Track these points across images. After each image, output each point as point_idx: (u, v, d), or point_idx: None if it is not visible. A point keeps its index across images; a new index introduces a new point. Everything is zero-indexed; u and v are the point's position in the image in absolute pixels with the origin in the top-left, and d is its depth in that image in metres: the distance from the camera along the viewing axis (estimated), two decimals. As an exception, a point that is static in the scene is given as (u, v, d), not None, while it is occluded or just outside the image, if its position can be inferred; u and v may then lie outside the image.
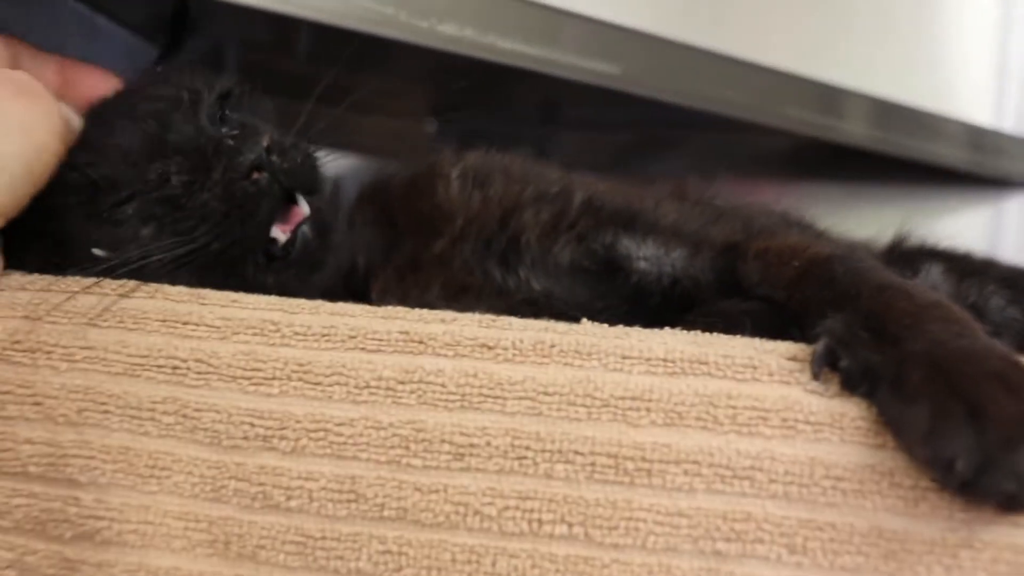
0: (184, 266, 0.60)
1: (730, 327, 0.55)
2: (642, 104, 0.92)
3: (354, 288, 0.70)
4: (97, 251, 0.61)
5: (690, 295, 0.66)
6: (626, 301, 0.66)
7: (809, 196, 1.32)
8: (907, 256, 0.80)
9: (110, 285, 0.57)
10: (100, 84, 0.68)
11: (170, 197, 0.61)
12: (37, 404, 0.52)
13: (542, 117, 1.13)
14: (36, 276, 0.58)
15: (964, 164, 1.14)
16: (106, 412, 0.52)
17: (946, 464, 0.45)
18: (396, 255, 0.70)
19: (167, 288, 0.56)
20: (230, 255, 0.61)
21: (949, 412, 0.45)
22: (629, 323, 0.55)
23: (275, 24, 0.76)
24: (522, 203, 0.69)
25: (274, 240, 0.62)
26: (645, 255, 0.67)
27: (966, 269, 0.75)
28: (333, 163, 0.70)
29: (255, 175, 0.60)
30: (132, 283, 0.56)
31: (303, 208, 0.63)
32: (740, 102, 0.93)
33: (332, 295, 0.60)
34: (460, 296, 0.67)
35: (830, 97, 1.00)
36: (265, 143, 0.61)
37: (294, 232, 0.62)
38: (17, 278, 0.58)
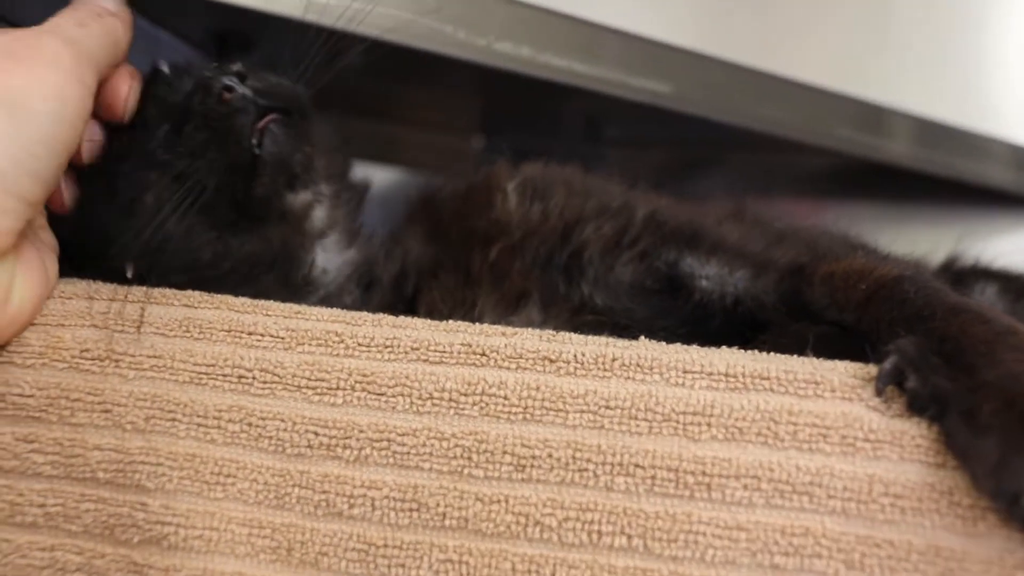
0: (193, 214, 0.61)
1: (799, 350, 0.55)
2: (683, 121, 0.93)
3: (404, 301, 0.71)
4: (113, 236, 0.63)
5: (752, 316, 0.66)
6: (686, 322, 0.66)
7: (853, 216, 1.32)
8: (960, 275, 0.80)
9: (175, 296, 0.58)
10: None
11: (162, 155, 0.63)
12: (106, 411, 0.53)
13: (586, 134, 1.14)
14: (102, 284, 0.59)
15: (1010, 185, 1.14)
16: (173, 420, 0.53)
17: (1012, 498, 0.45)
18: (446, 268, 0.71)
19: (231, 299, 0.57)
20: (228, 190, 0.62)
21: (1019, 447, 0.45)
22: (689, 343, 0.55)
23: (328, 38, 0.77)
24: (584, 217, 0.69)
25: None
26: (708, 274, 0.67)
27: (1022, 289, 0.75)
28: (381, 177, 0.71)
29: (226, 95, 0.62)
30: (198, 294, 0.58)
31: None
32: (787, 121, 0.93)
33: (385, 309, 0.61)
34: (515, 310, 0.67)
35: (875, 116, 1.01)
36: (235, 68, 0.63)
37: (261, 132, 0.63)
38: (84, 286, 0.59)
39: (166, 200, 0.61)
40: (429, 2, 0.74)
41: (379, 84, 0.93)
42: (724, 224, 0.72)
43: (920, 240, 1.13)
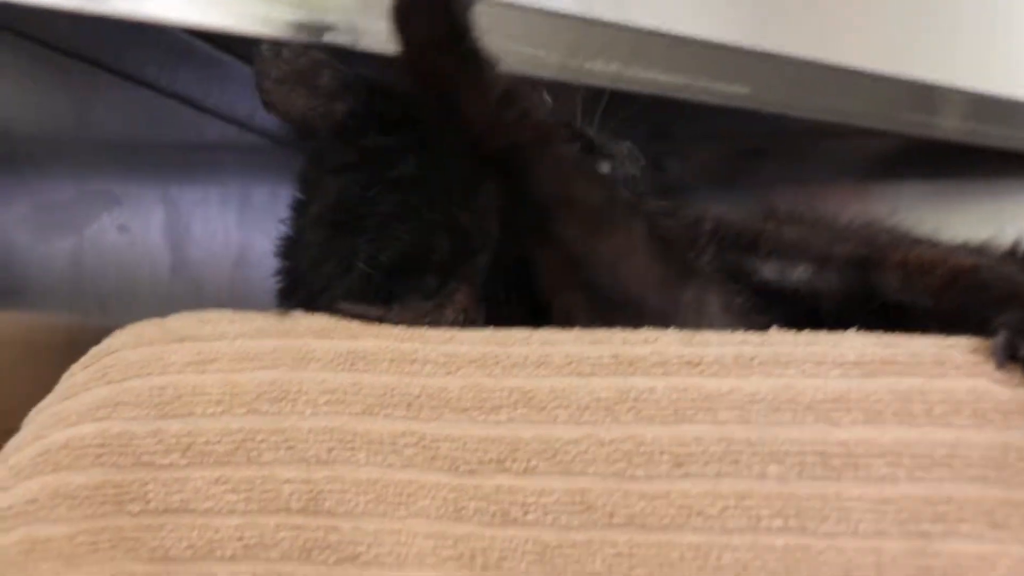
0: None
1: None
2: (736, 115, 0.98)
3: None
4: None
5: (810, 308, 0.71)
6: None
7: (907, 196, 1.36)
8: None
9: (335, 328, 0.63)
10: None
11: None
12: (290, 448, 0.58)
13: (652, 134, 1.19)
14: (264, 320, 0.64)
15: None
16: (352, 449, 0.58)
17: None
18: None
19: (388, 329, 0.62)
20: None
21: None
22: None
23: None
24: None
25: None
26: (768, 272, 0.72)
27: None
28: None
29: None
30: (357, 325, 0.63)
31: None
32: (850, 109, 0.98)
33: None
34: None
35: (930, 95, 1.05)
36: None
37: None
38: (248, 324, 0.64)
39: None
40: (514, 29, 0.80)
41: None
42: (783, 227, 0.77)
43: (978, 218, 1.17)
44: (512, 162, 0.65)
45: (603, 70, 0.82)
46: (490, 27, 0.79)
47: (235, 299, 1.00)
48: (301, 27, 0.76)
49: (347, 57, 0.75)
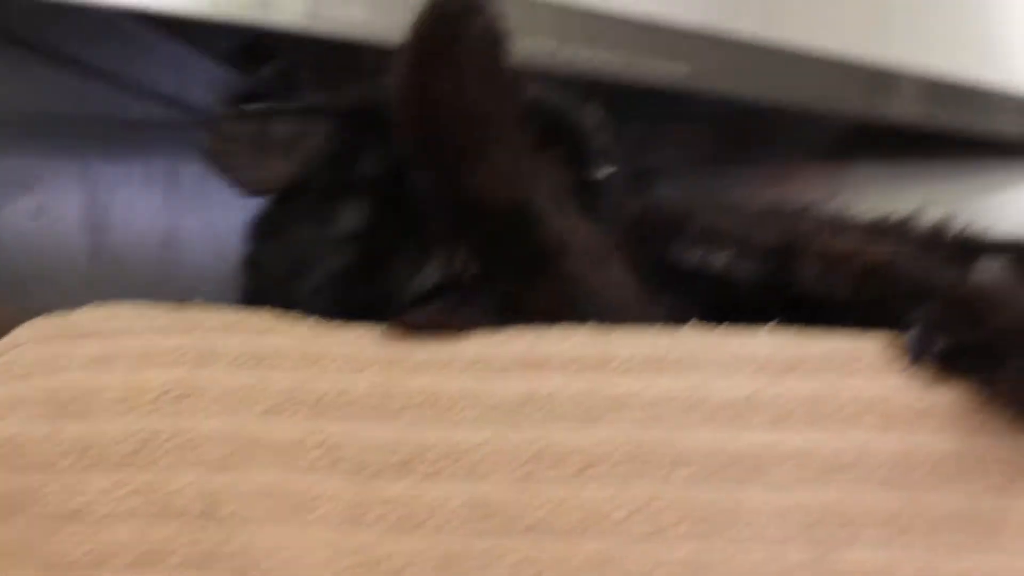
0: None
1: None
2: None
3: None
4: None
5: (731, 295, 0.71)
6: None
7: (861, 178, 1.35)
8: (960, 245, 0.85)
9: (243, 323, 0.61)
10: None
11: None
12: (190, 451, 0.57)
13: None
14: (174, 315, 0.63)
15: (1020, 138, 1.17)
16: (253, 452, 0.56)
17: None
18: None
19: (298, 326, 0.61)
20: None
21: None
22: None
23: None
24: None
25: None
26: (692, 258, 0.72)
27: None
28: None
29: None
30: (267, 321, 0.61)
31: None
32: (800, 92, 0.96)
33: None
34: None
35: (885, 79, 1.04)
36: None
37: None
38: (156, 320, 0.62)
39: None
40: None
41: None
42: (710, 213, 0.76)
43: (931, 196, 1.16)
44: (514, 215, 0.62)
45: (539, 48, 0.81)
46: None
47: (160, 285, 0.99)
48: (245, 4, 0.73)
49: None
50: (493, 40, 0.60)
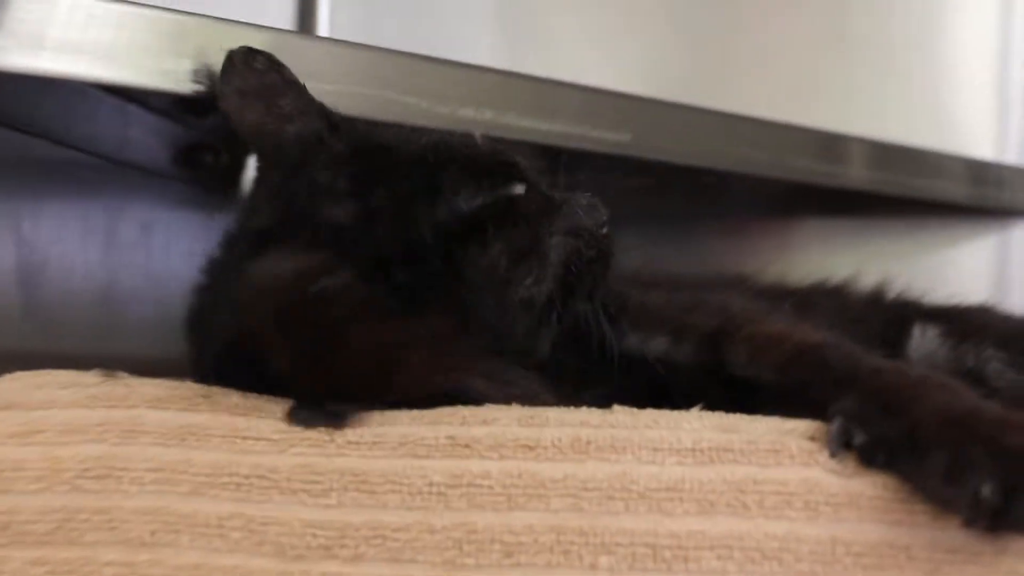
0: None
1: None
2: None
3: None
4: None
5: (669, 377, 0.71)
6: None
7: (809, 233, 1.36)
8: (897, 311, 0.86)
9: (172, 399, 0.61)
10: None
11: None
12: (113, 529, 0.56)
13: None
14: (101, 386, 0.62)
15: (967, 199, 1.18)
16: (177, 532, 0.56)
17: (972, 497, 0.48)
18: None
19: (225, 400, 0.60)
20: None
21: (967, 450, 0.50)
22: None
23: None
24: None
25: None
26: (630, 342, 0.72)
27: (963, 331, 0.80)
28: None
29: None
30: (194, 395, 0.60)
31: None
32: (745, 158, 0.97)
33: None
34: None
35: (831, 144, 1.05)
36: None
37: None
38: (78, 395, 0.61)
39: None
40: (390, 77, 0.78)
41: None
42: (647, 292, 0.76)
43: (877, 254, 1.18)
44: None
45: (475, 117, 0.81)
46: (357, 72, 0.77)
47: (97, 344, 0.97)
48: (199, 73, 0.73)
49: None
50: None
